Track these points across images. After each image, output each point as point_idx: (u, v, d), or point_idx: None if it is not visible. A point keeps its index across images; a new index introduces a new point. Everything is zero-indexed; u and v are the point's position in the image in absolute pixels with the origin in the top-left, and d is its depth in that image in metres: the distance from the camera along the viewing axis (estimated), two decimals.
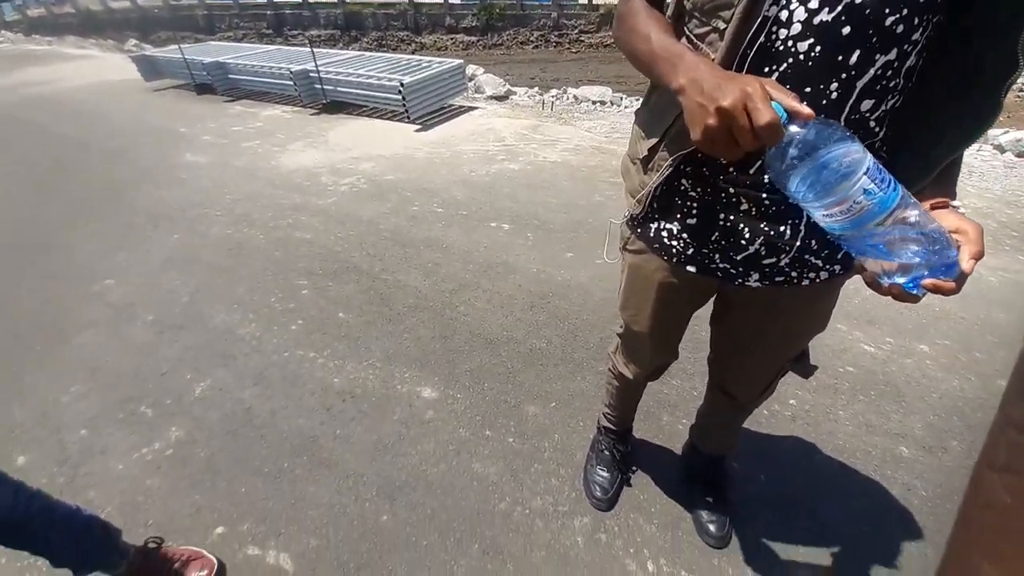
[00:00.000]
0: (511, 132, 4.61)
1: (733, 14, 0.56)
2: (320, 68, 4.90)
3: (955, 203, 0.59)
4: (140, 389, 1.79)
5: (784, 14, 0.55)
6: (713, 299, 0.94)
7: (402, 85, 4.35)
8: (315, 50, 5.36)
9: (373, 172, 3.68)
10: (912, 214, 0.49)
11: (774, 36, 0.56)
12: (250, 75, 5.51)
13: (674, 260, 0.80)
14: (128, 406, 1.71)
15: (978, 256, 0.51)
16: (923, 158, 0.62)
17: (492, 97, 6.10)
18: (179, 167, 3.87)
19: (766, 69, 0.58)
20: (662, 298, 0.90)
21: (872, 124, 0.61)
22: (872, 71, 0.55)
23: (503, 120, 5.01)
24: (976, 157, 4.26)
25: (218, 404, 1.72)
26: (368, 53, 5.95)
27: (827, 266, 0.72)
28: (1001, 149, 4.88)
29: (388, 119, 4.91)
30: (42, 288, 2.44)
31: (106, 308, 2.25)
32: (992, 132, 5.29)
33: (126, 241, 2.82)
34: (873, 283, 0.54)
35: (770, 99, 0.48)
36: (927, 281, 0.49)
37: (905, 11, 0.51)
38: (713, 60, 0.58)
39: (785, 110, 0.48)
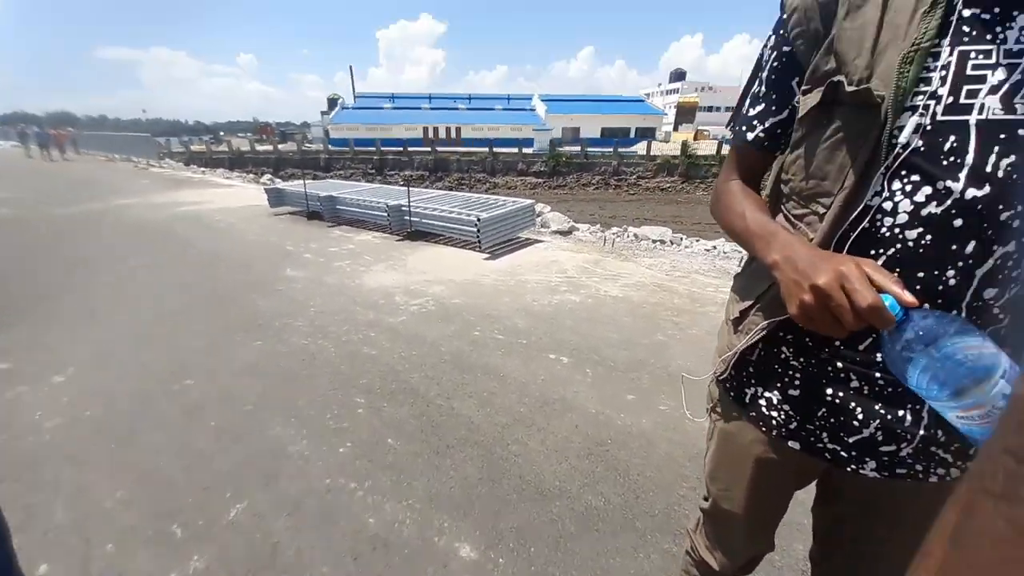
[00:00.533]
0: (573, 265, 4.83)
1: (833, 202, 0.57)
2: (412, 203, 5.67)
3: None
4: (179, 503, 1.76)
5: (888, 204, 0.54)
6: (817, 480, 0.80)
7: (478, 220, 4.86)
8: (410, 188, 6.27)
9: (442, 295, 3.93)
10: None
11: (879, 223, 0.55)
12: (353, 206, 6.48)
13: (774, 433, 0.71)
14: (161, 522, 1.68)
15: None
16: None
17: (557, 232, 6.58)
18: (279, 279, 4.39)
19: (872, 252, 0.56)
20: (760, 475, 0.77)
21: (996, 311, 0.55)
22: (991, 261, 0.52)
23: (566, 254, 5.31)
24: None
25: (248, 533, 1.63)
26: (453, 192, 6.84)
27: (958, 462, 0.61)
28: None
29: (461, 247, 5.41)
30: (132, 377, 2.67)
31: (178, 409, 2.38)
32: None
33: (215, 344, 3.10)
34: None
35: (870, 281, 0.48)
36: None
37: (1020, 207, 0.49)
38: (811, 240, 0.59)
39: (897, 299, 0.47)
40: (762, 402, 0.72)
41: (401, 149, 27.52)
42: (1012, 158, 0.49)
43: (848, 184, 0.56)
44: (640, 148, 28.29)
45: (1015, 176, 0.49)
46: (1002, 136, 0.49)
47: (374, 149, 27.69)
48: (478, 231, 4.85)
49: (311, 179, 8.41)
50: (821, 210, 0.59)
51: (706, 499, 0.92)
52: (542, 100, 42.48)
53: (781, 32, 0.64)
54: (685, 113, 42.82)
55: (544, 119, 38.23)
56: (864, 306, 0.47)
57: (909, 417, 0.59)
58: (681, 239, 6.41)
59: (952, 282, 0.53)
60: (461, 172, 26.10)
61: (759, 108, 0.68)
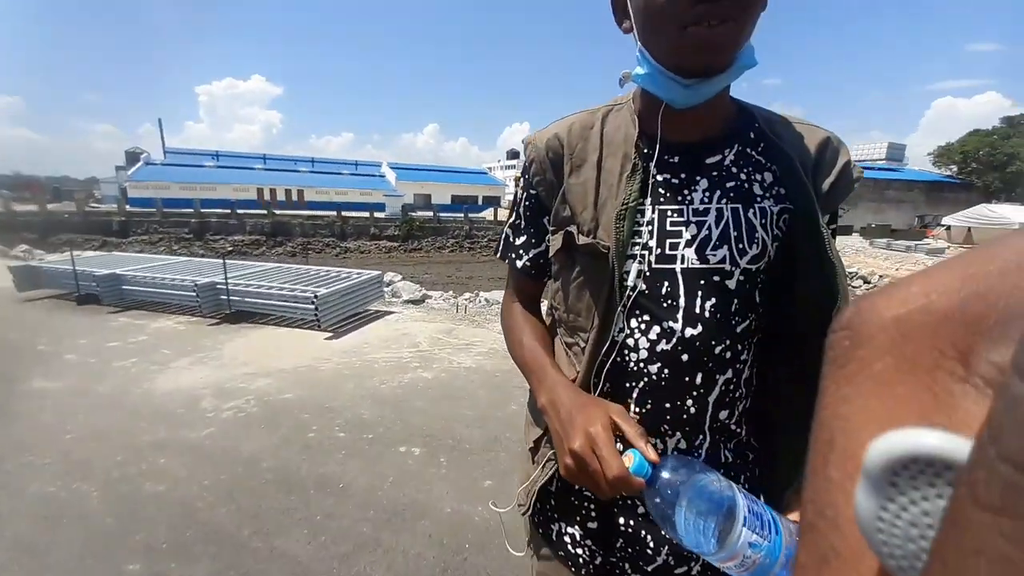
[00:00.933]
0: (426, 337, 4.67)
1: (588, 337, 0.63)
2: (233, 279, 4.87)
3: None
4: None
5: (631, 341, 0.61)
6: None
7: (316, 297, 4.39)
8: (228, 261, 5.41)
9: (268, 391, 3.32)
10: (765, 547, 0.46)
11: (627, 357, 0.62)
12: (147, 286, 5.27)
13: (583, 572, 0.69)
14: None
15: None
16: (792, 437, 0.62)
17: (409, 301, 6.38)
18: (20, 397, 3.18)
19: (627, 385, 0.62)
20: None
21: (734, 427, 0.64)
22: (718, 388, 0.60)
23: (419, 324, 5.13)
24: None
25: None
26: (286, 265, 6.13)
27: None
28: None
29: (297, 327, 4.79)
30: None
31: None
32: None
33: None
34: None
35: (618, 438, 0.52)
36: None
37: (728, 341, 0.59)
38: (576, 373, 0.65)
39: (642, 454, 0.50)
40: (567, 539, 0.71)
41: (229, 211, 24.36)
42: (713, 300, 0.58)
43: (596, 323, 0.62)
44: (488, 214, 30.46)
45: (719, 316, 0.58)
46: (701, 282, 0.58)
47: (192, 211, 23.93)
48: (316, 309, 4.37)
49: (99, 249, 6.68)
50: (581, 344, 0.65)
51: None
52: (391, 167, 43.06)
53: (526, 177, 0.71)
54: None
55: (395, 185, 38.59)
56: (611, 477, 0.49)
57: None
58: None
59: (692, 410, 0.60)
60: (306, 236, 24.12)
61: (522, 239, 0.74)
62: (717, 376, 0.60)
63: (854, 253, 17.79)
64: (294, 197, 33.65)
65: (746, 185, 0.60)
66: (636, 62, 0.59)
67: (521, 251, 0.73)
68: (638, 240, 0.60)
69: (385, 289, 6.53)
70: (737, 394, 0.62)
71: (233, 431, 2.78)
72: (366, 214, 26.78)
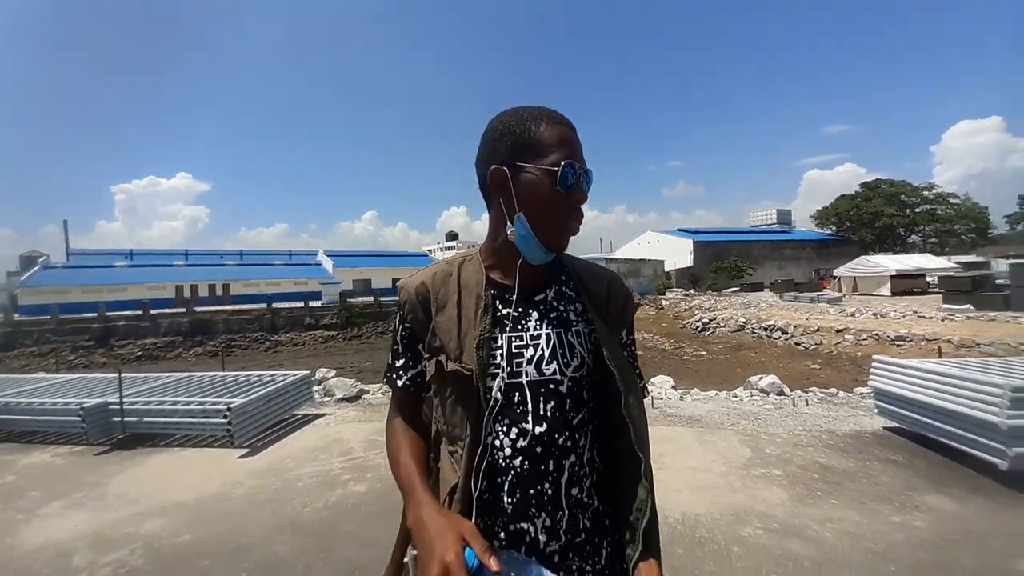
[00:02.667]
0: (360, 440, 4.27)
1: (464, 444, 0.75)
2: (127, 398, 4.25)
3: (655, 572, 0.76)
4: None
5: (498, 442, 0.76)
6: None
7: (229, 409, 3.92)
8: (128, 375, 4.78)
9: (160, 534, 2.78)
10: None
11: (496, 456, 0.76)
12: (19, 414, 4.46)
13: None
14: None
15: None
16: (626, 507, 0.80)
17: (343, 399, 5.93)
18: None
19: (498, 480, 0.75)
20: None
21: (587, 500, 0.79)
22: (567, 471, 0.76)
23: (352, 426, 4.71)
24: (752, 404, 5.29)
25: None
26: (198, 373, 5.50)
27: None
28: (765, 392, 6.25)
29: (207, 445, 4.20)
30: None
31: None
32: (752, 379, 6.86)
33: None
34: None
35: (464, 562, 0.61)
36: None
37: (567, 432, 0.77)
38: (458, 479, 0.75)
39: (479, 560, 0.62)
40: None
41: (140, 312, 22.22)
42: (552, 403, 0.76)
43: (469, 432, 0.75)
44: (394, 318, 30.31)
45: (557, 414, 0.76)
46: (541, 390, 0.76)
47: (95, 315, 21.56)
48: (229, 423, 3.89)
49: None
50: (460, 451, 0.76)
51: None
52: (328, 255, 42.42)
53: (401, 313, 0.85)
54: None
55: (332, 273, 37.75)
56: None
57: None
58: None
59: (550, 492, 0.75)
60: (231, 333, 22.34)
61: (401, 362, 0.86)
62: (563, 461, 0.76)
63: (768, 307, 19.54)
64: (219, 292, 31.65)
65: (564, 314, 0.82)
66: (515, 226, 0.77)
67: (401, 372, 0.86)
68: (494, 362, 0.76)
69: (316, 388, 6.04)
70: (582, 472, 0.78)
71: None
72: (300, 304, 25.63)
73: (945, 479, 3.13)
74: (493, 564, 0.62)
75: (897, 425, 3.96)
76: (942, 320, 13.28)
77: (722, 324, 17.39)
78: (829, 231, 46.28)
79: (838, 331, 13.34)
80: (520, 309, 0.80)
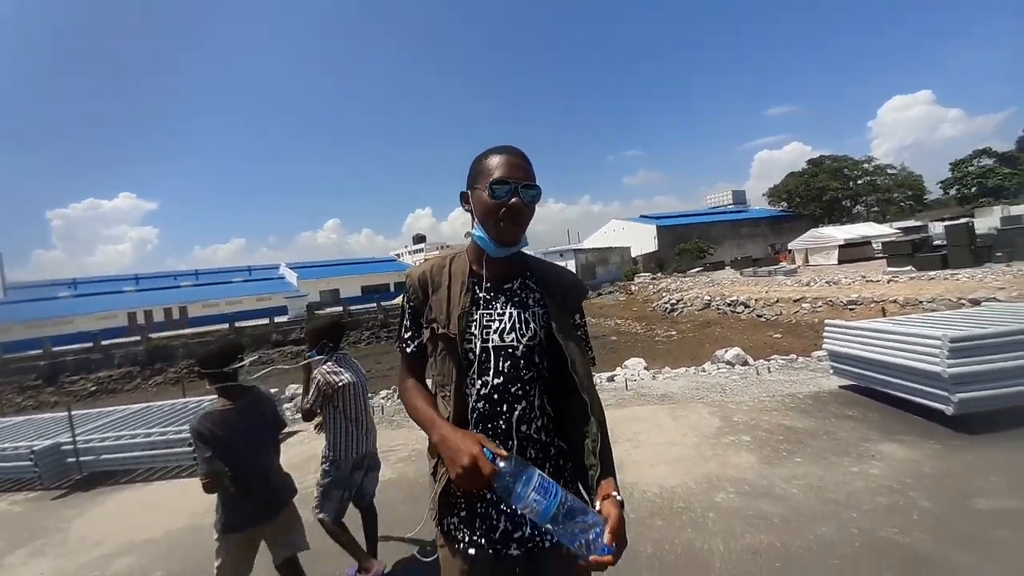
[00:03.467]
0: None
1: (451, 389, 1.05)
2: (80, 437, 4.00)
3: (615, 493, 0.94)
4: None
5: (472, 390, 1.05)
6: None
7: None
8: (78, 412, 4.50)
9: (129, 574, 2.64)
10: (570, 513, 0.85)
11: (469, 399, 1.05)
12: None
13: (460, 546, 1.04)
14: None
15: (614, 534, 0.86)
16: (582, 441, 1.05)
17: None
18: None
19: (471, 416, 1.04)
20: None
21: (534, 435, 1.06)
22: (517, 412, 1.04)
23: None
24: (719, 376, 5.51)
25: None
26: (157, 403, 5.24)
27: (546, 536, 1.01)
28: (731, 364, 6.51)
29: (174, 477, 4.00)
30: None
31: None
32: (718, 352, 7.11)
33: None
34: (579, 557, 0.86)
35: (481, 454, 0.89)
36: (592, 557, 0.84)
37: (519, 384, 1.04)
38: (449, 413, 1.03)
39: (493, 454, 0.89)
40: (451, 528, 1.06)
41: (90, 344, 20.88)
42: (509, 362, 1.04)
43: (453, 379, 1.05)
44: (401, 300, 29.92)
45: (512, 371, 1.04)
46: (502, 353, 1.05)
47: (41, 351, 20.11)
48: (195, 451, 3.72)
49: None
50: (448, 394, 1.06)
51: None
52: (291, 268, 41.04)
53: (407, 295, 1.15)
54: None
55: (297, 286, 36.57)
56: (487, 473, 0.88)
57: (516, 514, 1.00)
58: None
59: (503, 427, 1.03)
60: (192, 358, 21.32)
61: (409, 334, 1.15)
62: (515, 405, 1.04)
63: (731, 284, 20.34)
64: (175, 316, 30.11)
65: (524, 299, 1.10)
66: (474, 231, 1.08)
67: (408, 341, 1.15)
68: (470, 331, 1.05)
69: (287, 406, 5.86)
70: (531, 415, 1.06)
71: None
72: (265, 321, 24.73)
73: (897, 428, 3.36)
74: (503, 453, 0.91)
75: (851, 383, 4.22)
76: (888, 282, 14.19)
77: (689, 304, 17.98)
78: (781, 208, 48.49)
79: (795, 301, 14.05)
80: (492, 293, 1.09)
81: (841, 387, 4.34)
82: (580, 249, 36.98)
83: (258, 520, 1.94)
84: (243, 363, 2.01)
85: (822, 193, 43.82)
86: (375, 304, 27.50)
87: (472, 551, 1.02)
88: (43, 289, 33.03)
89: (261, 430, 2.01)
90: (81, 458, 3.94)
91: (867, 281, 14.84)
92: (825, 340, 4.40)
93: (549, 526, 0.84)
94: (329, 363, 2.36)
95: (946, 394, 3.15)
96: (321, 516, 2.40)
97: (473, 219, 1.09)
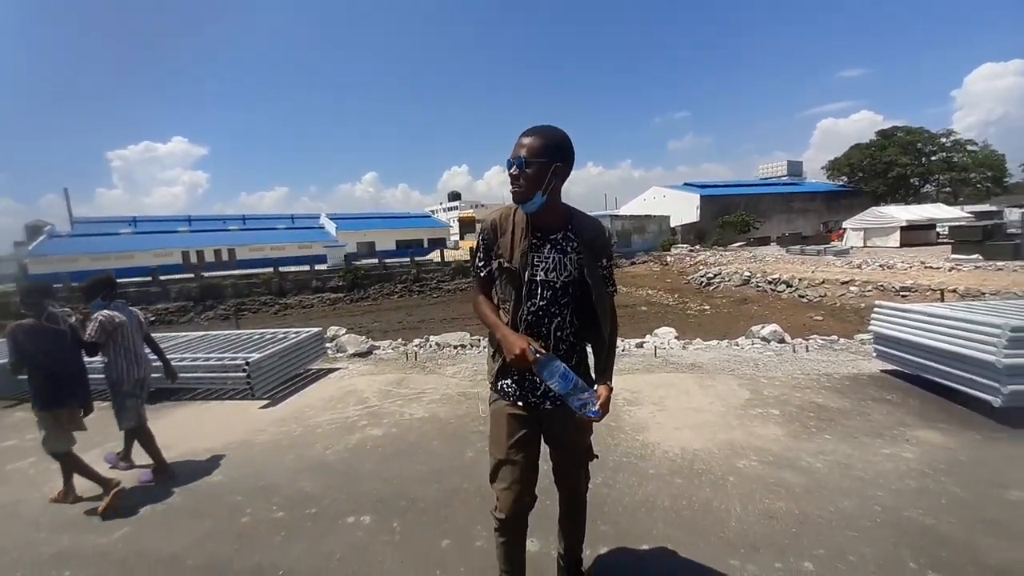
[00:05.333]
0: (374, 391, 4.46)
1: (511, 305, 1.49)
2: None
3: (608, 382, 1.48)
4: None
5: (526, 308, 1.50)
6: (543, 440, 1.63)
7: (247, 363, 4.08)
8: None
9: (193, 476, 2.99)
10: (578, 390, 1.39)
11: (525, 312, 1.50)
12: None
13: (510, 399, 1.56)
14: None
15: (602, 403, 1.41)
16: (599, 342, 1.55)
17: (355, 355, 6.11)
18: None
19: (522, 326, 1.49)
20: (508, 423, 1.55)
21: (565, 339, 1.53)
22: (554, 324, 1.51)
23: (366, 379, 4.90)
24: (752, 351, 5.40)
25: None
26: (214, 332, 5.67)
27: (563, 400, 1.44)
28: (767, 340, 6.35)
29: (229, 398, 4.40)
30: None
31: None
32: (754, 328, 6.94)
33: None
34: (579, 414, 1.40)
35: (528, 348, 1.37)
36: (586, 416, 1.40)
37: (556, 308, 1.50)
38: (507, 320, 1.49)
39: (536, 349, 1.39)
40: (503, 386, 1.58)
41: (149, 278, 22.52)
42: (550, 292, 1.49)
43: (512, 299, 1.48)
44: (434, 256, 30.36)
45: (550, 296, 1.49)
46: (546, 285, 1.49)
47: (104, 278, 21.83)
48: (248, 376, 4.06)
49: None
50: (508, 308, 1.50)
51: (491, 474, 1.58)
52: (331, 219, 42.13)
53: (482, 235, 1.57)
54: (467, 225, 48.58)
55: (335, 236, 37.64)
56: (531, 359, 1.37)
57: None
58: (479, 340, 6.75)
59: (545, 332, 1.50)
60: (240, 297, 22.68)
61: (482, 263, 1.57)
62: (553, 320, 1.50)
63: (774, 261, 19.44)
64: (224, 257, 31.82)
65: (565, 247, 1.49)
66: None
67: (481, 267, 1.58)
68: (525, 267, 1.47)
69: (328, 345, 6.22)
70: (564, 326, 1.52)
71: (152, 529, 2.46)
72: (306, 268, 25.78)
73: (937, 416, 3.25)
74: (542, 350, 1.39)
75: (894, 368, 4.06)
76: (949, 270, 13.20)
77: (726, 279, 17.38)
78: (841, 183, 45.09)
79: (843, 283, 13.33)
80: (541, 240, 1.49)
81: (883, 371, 4.19)
82: (616, 215, 36.01)
83: (56, 404, 2.68)
84: (51, 301, 2.94)
85: (888, 168, 40.32)
86: (409, 258, 28.04)
87: (520, 403, 1.54)
88: (106, 225, 35.44)
89: (56, 340, 2.74)
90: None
91: (925, 267, 13.86)
92: (873, 321, 4.21)
93: (563, 394, 1.38)
94: (107, 310, 3.06)
95: (997, 385, 3.00)
96: (129, 425, 3.06)
97: None
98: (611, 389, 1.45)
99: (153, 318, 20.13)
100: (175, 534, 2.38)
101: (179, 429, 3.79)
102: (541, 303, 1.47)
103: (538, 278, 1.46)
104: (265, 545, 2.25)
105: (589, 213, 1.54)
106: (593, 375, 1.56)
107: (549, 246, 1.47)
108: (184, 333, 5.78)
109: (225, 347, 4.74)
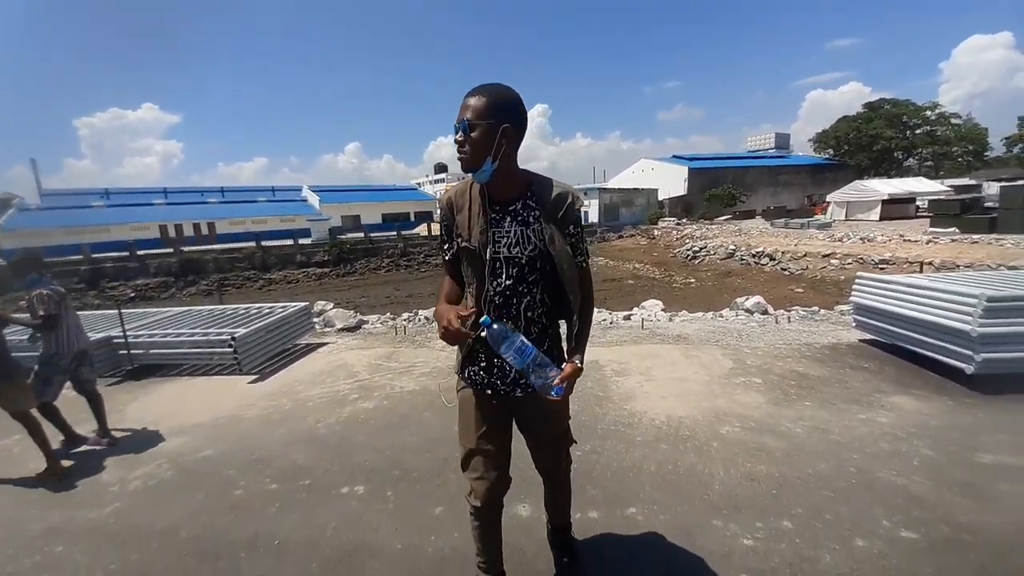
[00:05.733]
0: (364, 364, 4.45)
1: (475, 287, 1.38)
2: (130, 332, 4.33)
3: (576, 360, 1.33)
4: None
5: (490, 287, 1.36)
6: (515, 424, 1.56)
7: (233, 339, 4.02)
8: (128, 311, 4.82)
9: (183, 451, 2.98)
10: (537, 365, 1.24)
11: (490, 293, 1.37)
12: (26, 351, 4.53)
13: (478, 387, 1.47)
14: None
15: (563, 381, 1.26)
16: (568, 315, 1.41)
17: (344, 329, 6.07)
18: None
19: (489, 307, 1.37)
20: (477, 411, 1.48)
21: (535, 319, 1.40)
22: (523, 303, 1.38)
23: (355, 353, 4.89)
24: (736, 322, 5.52)
25: None
26: (197, 307, 5.56)
27: (529, 382, 1.32)
28: (750, 311, 6.48)
29: (216, 374, 4.36)
30: None
31: None
32: (738, 300, 7.07)
33: None
34: (541, 394, 1.27)
35: (455, 318, 1.22)
36: (551, 395, 1.25)
37: (523, 286, 1.36)
38: (472, 300, 1.39)
39: (489, 322, 1.23)
40: (470, 373, 1.47)
41: (127, 252, 21.85)
42: (515, 269, 1.35)
43: (475, 281, 1.38)
44: (421, 230, 29.97)
45: (516, 274, 1.35)
46: (510, 261, 1.34)
47: (80, 257, 21.18)
48: (235, 352, 4.01)
49: None
50: (472, 291, 1.39)
51: (461, 462, 1.54)
52: (313, 191, 41.02)
53: (441, 214, 1.48)
54: None
55: (319, 209, 36.77)
56: (454, 329, 1.21)
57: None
58: None
59: (513, 312, 1.37)
60: (223, 272, 22.21)
61: (446, 245, 1.46)
62: (522, 299, 1.37)
63: (759, 234, 19.66)
64: (204, 231, 30.95)
65: (527, 218, 1.34)
66: None
67: (446, 250, 1.46)
68: (485, 245, 1.34)
69: (316, 320, 6.16)
70: (534, 305, 1.39)
71: (143, 503, 2.46)
72: (289, 241, 25.27)
73: (912, 383, 3.38)
74: (494, 320, 1.24)
75: (872, 337, 4.19)
76: (927, 243, 13.53)
77: (712, 252, 17.58)
78: (827, 155, 45.30)
79: (824, 256, 13.59)
80: (500, 214, 1.35)
81: (861, 340, 4.32)
82: (604, 189, 35.79)
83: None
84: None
85: (873, 142, 40.55)
86: (395, 232, 27.65)
87: (488, 391, 1.45)
88: (77, 197, 33.98)
89: None
90: (132, 351, 4.28)
91: (904, 240, 14.18)
92: (854, 292, 4.31)
93: (521, 370, 1.25)
94: (41, 286, 3.02)
95: (970, 353, 3.12)
96: (44, 400, 3.02)
97: None
98: (579, 368, 1.29)
99: (133, 294, 19.66)
100: (168, 508, 2.39)
101: (166, 405, 3.75)
102: (507, 282, 1.33)
103: (501, 255, 1.32)
104: (260, 516, 2.27)
105: (578, 186, 1.44)
106: (566, 354, 1.44)
107: (509, 219, 1.32)
108: (167, 308, 5.66)
109: (209, 322, 4.65)
